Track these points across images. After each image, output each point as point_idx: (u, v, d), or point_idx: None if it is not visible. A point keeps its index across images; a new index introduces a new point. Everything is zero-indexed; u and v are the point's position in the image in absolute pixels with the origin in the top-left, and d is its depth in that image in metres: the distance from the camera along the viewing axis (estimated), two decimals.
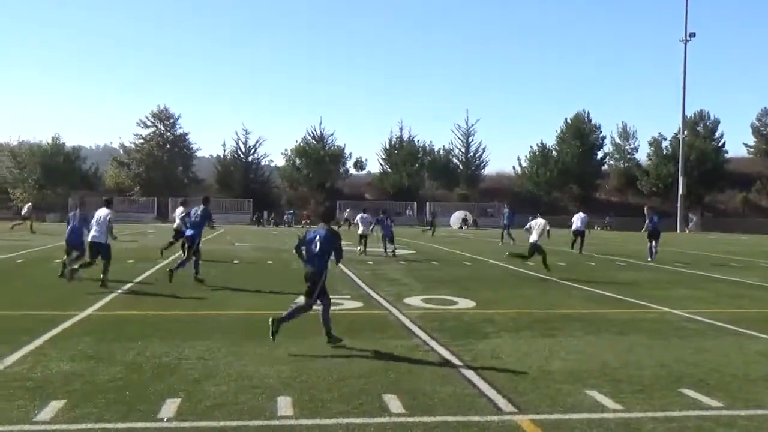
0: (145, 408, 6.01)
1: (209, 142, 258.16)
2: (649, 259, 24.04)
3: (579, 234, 27.98)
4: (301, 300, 9.25)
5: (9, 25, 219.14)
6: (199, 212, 15.53)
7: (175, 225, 20.41)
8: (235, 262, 20.97)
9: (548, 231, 18.40)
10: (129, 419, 5.72)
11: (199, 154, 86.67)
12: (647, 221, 25.40)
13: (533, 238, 18.05)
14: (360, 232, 25.15)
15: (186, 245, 15.57)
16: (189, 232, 15.48)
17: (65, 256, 15.43)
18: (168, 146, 79.98)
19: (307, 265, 8.84)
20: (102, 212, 14.58)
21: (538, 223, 18.30)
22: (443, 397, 6.53)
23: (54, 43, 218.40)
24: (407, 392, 6.64)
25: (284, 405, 6.18)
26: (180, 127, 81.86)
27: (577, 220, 28.28)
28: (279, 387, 6.77)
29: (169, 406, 6.06)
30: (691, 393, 6.83)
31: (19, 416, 5.74)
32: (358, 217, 26.44)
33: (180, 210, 19.92)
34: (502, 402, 6.43)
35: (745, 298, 14.74)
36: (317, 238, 8.82)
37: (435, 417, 5.95)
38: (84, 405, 6.04)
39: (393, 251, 24.54)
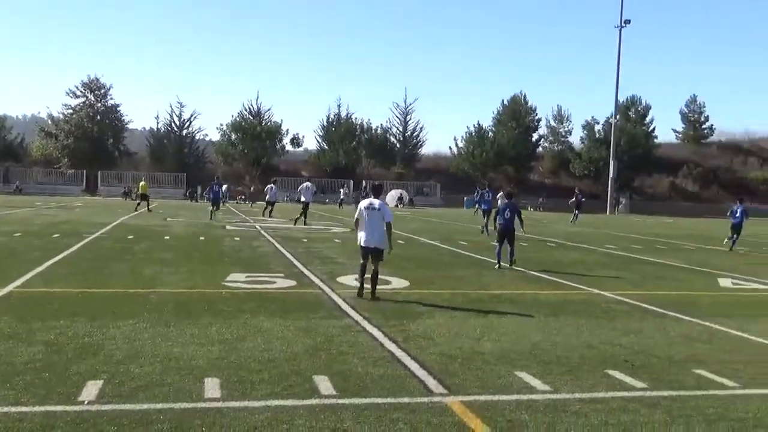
0: (64, 390, 5.77)
1: (141, 114, 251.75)
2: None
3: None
4: None
5: None
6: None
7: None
8: (166, 238, 20.49)
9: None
10: (47, 402, 5.47)
11: (130, 126, 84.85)
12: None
13: None
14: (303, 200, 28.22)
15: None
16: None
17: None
18: (98, 117, 77.83)
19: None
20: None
21: None
22: (374, 378, 6.47)
23: None
24: (338, 374, 6.57)
25: (212, 387, 6.02)
26: (111, 98, 79.98)
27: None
28: (207, 368, 6.60)
29: (91, 389, 5.82)
30: (617, 374, 6.95)
31: None
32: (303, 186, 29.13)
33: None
34: (432, 383, 6.42)
35: (669, 279, 15.16)
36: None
37: (365, 399, 5.88)
38: (0, 387, 5.78)
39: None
